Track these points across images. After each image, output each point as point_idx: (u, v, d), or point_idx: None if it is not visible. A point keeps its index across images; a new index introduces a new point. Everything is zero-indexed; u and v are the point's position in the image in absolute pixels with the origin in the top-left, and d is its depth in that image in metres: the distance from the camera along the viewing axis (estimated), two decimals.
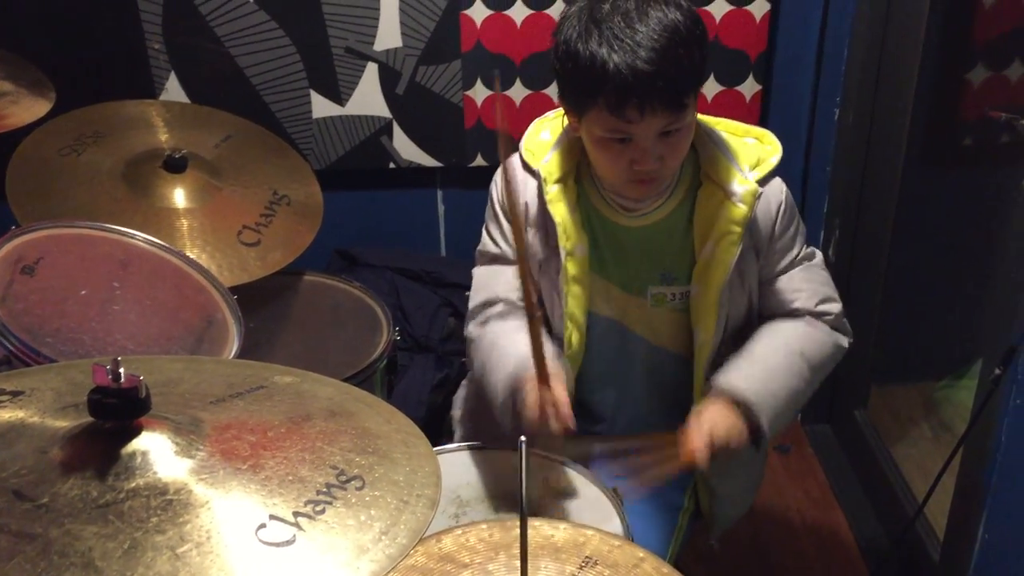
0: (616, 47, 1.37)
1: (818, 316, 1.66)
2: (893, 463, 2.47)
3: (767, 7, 2.39)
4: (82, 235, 1.73)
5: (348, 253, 2.58)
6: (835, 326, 1.67)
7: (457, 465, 1.65)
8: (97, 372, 0.86)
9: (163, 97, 2.40)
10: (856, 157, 2.48)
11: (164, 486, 0.84)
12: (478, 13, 2.37)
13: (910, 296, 2.66)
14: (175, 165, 1.98)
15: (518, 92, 2.45)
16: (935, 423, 2.68)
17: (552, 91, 2.45)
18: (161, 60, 2.37)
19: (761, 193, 1.57)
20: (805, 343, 1.62)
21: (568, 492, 1.59)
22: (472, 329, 1.70)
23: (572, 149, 1.59)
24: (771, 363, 1.59)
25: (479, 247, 1.74)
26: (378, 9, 2.36)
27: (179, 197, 1.97)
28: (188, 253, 1.82)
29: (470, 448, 1.68)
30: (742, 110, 2.48)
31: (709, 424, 1.53)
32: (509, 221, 1.66)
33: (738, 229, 1.55)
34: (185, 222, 1.94)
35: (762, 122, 2.54)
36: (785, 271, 1.65)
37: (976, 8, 2.37)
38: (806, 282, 1.66)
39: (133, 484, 0.83)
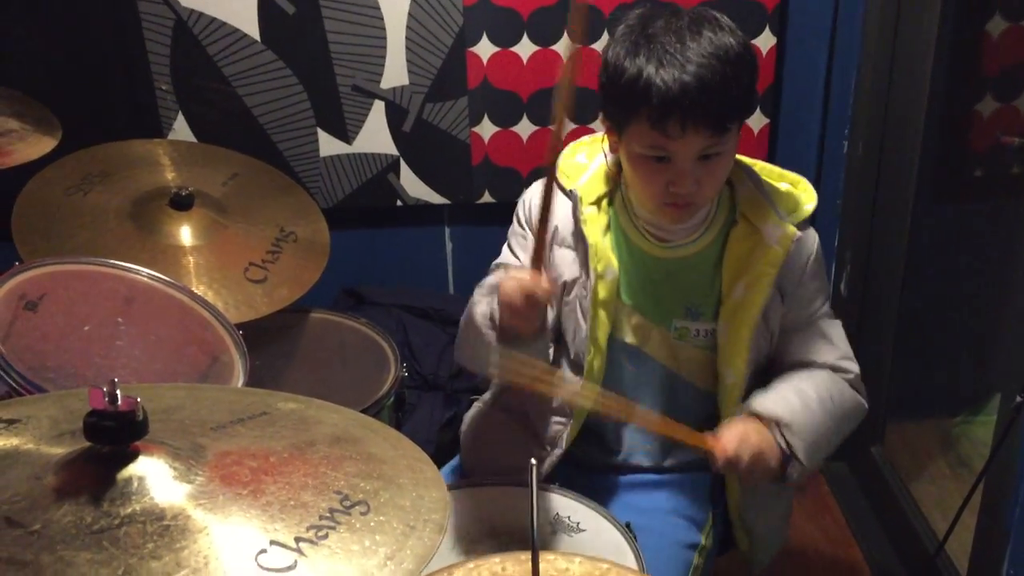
0: (665, 62, 1.37)
1: (839, 372, 1.63)
2: (912, 500, 2.42)
3: (773, 40, 2.38)
4: (85, 271, 1.72)
5: (355, 291, 2.56)
6: (854, 386, 1.64)
7: (465, 503, 1.61)
8: (93, 395, 0.84)
9: (171, 137, 2.40)
10: (866, 190, 2.46)
11: (161, 511, 0.81)
12: (484, 50, 2.37)
13: (924, 330, 2.62)
14: (181, 202, 1.97)
15: (525, 128, 2.45)
16: (953, 459, 2.63)
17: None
18: (169, 100, 2.38)
19: (799, 237, 1.55)
20: (834, 389, 1.59)
21: (581, 527, 1.55)
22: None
23: (608, 173, 1.59)
24: (806, 396, 1.56)
25: (497, 260, 1.71)
26: (385, 47, 2.37)
27: (185, 234, 1.96)
28: (194, 290, 1.80)
29: (477, 485, 1.65)
30: (750, 144, 2.47)
31: (743, 431, 1.50)
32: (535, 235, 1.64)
33: (772, 271, 1.53)
34: (191, 259, 1.93)
35: (770, 156, 2.53)
36: (808, 323, 1.63)
37: (983, 39, 2.36)
38: (828, 337, 1.64)
39: (129, 510, 0.80)
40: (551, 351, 1.64)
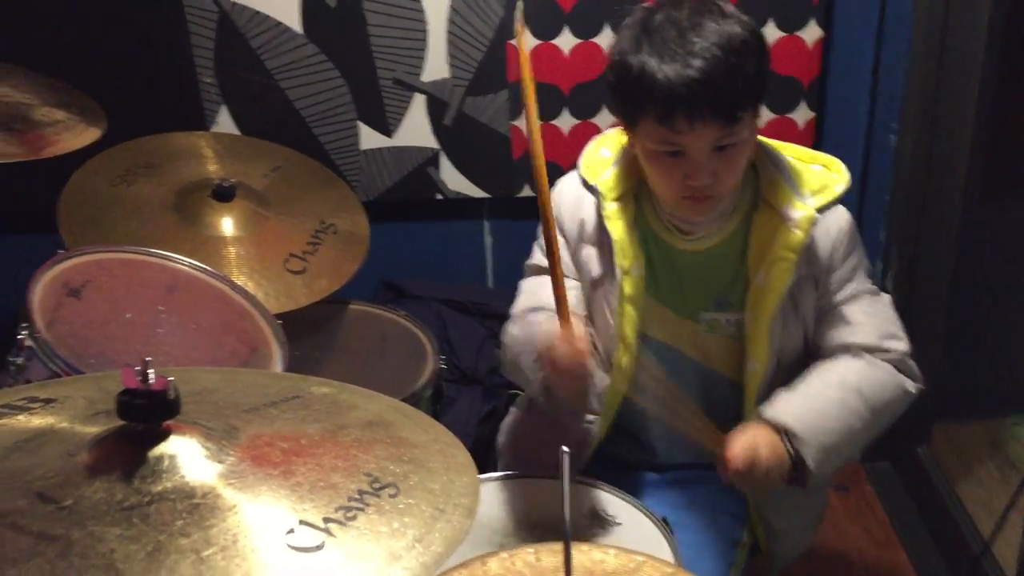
0: (667, 57, 1.35)
1: (879, 353, 1.56)
2: (958, 502, 2.37)
3: (819, 32, 2.35)
4: (128, 259, 1.74)
5: (395, 285, 2.57)
6: (899, 367, 1.57)
7: (502, 494, 1.61)
8: (127, 374, 0.84)
9: (214, 129, 2.42)
10: (915, 185, 2.41)
11: (191, 490, 0.81)
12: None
13: (973, 330, 2.57)
14: (224, 194, 1.99)
15: (566, 121, 2.44)
16: (1001, 461, 2.57)
17: (601, 119, 2.43)
18: (212, 93, 2.39)
19: (818, 219, 1.51)
20: (863, 381, 1.53)
21: (617, 521, 1.54)
22: (510, 328, 1.65)
23: (632, 167, 1.56)
24: (822, 398, 1.51)
25: (528, 260, 1.71)
26: (425, 40, 2.36)
27: (227, 225, 1.98)
28: (235, 280, 1.81)
29: (514, 478, 1.64)
30: (795, 138, 2.43)
31: (753, 439, 1.46)
32: (564, 234, 1.63)
33: (792, 256, 1.50)
34: (232, 250, 1.95)
35: (816, 149, 2.49)
36: (844, 303, 1.57)
37: None
38: (867, 316, 1.57)
39: (160, 487, 0.81)
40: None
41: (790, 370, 1.59)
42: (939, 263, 2.42)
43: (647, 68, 1.36)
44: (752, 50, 1.38)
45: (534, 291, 1.66)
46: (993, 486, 2.49)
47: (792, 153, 1.60)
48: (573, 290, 1.62)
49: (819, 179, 1.56)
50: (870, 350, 1.56)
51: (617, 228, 1.54)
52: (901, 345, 1.58)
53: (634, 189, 1.58)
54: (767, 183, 1.53)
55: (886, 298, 1.62)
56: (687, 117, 1.35)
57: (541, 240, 1.66)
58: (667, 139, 1.40)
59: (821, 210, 1.52)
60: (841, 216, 1.56)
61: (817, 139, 2.49)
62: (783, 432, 1.48)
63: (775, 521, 1.70)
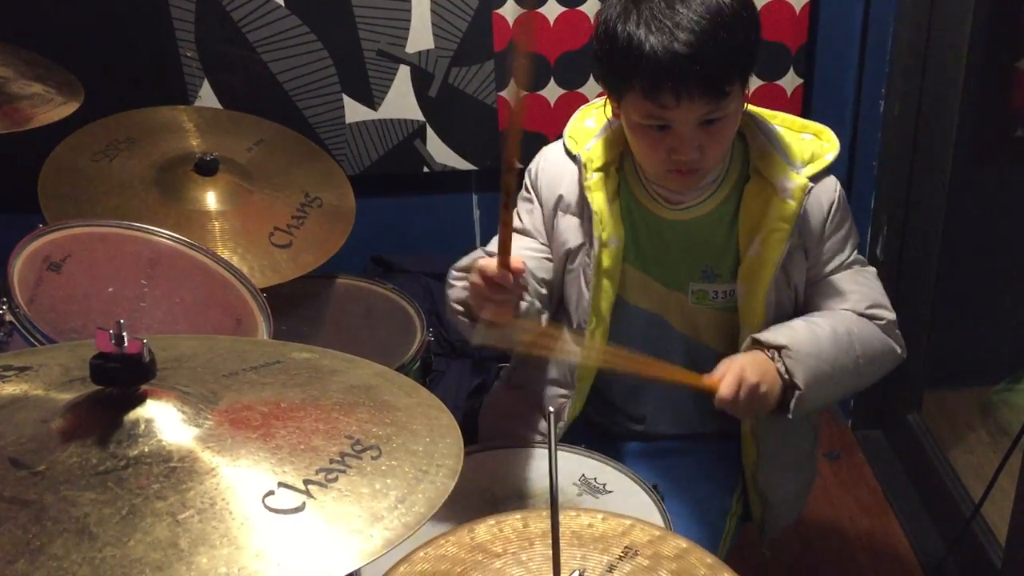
0: (654, 28, 1.31)
1: (878, 318, 1.56)
2: (950, 468, 2.38)
3: None
4: (109, 233, 1.72)
5: (384, 259, 2.55)
6: (886, 332, 1.57)
7: (490, 465, 1.60)
8: (100, 337, 0.82)
9: (196, 103, 2.39)
10: (904, 151, 2.40)
11: (168, 453, 0.79)
12: (511, 12, 2.34)
13: (963, 295, 2.56)
14: (206, 167, 1.97)
15: (552, 91, 2.42)
16: (992, 427, 2.58)
17: (588, 89, 2.41)
18: (194, 67, 2.37)
19: (811, 188, 1.49)
20: (855, 327, 1.52)
21: (607, 489, 1.53)
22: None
23: (616, 138, 1.54)
24: (815, 327, 1.49)
25: None
26: (409, 11, 2.34)
27: (211, 199, 1.96)
28: (219, 254, 1.79)
29: (503, 448, 1.63)
30: (783, 105, 2.42)
31: (740, 366, 1.43)
32: (540, 203, 1.61)
33: (786, 226, 1.48)
34: (216, 224, 1.93)
35: (804, 117, 2.47)
36: (834, 273, 1.57)
37: None
38: (856, 284, 1.57)
39: (136, 452, 0.79)
40: (543, 319, 1.59)
41: None
42: (929, 229, 2.41)
43: (634, 40, 1.32)
44: (742, 22, 1.35)
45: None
46: (984, 452, 2.49)
47: (782, 122, 1.58)
48: (533, 252, 1.59)
49: (809, 148, 1.54)
50: (859, 315, 1.56)
51: (597, 199, 1.52)
52: (888, 315, 1.58)
53: (617, 160, 1.55)
54: (757, 153, 1.51)
55: (872, 270, 1.62)
56: (674, 93, 1.33)
57: (521, 203, 1.65)
58: (653, 113, 1.37)
59: (812, 179, 1.50)
60: (832, 186, 1.55)
61: (806, 106, 2.48)
62: (775, 350, 1.46)
63: (771, 492, 1.69)
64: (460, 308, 1.50)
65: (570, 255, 1.59)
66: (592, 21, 2.34)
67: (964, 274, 2.53)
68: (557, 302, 1.65)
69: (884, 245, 2.50)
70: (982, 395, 2.67)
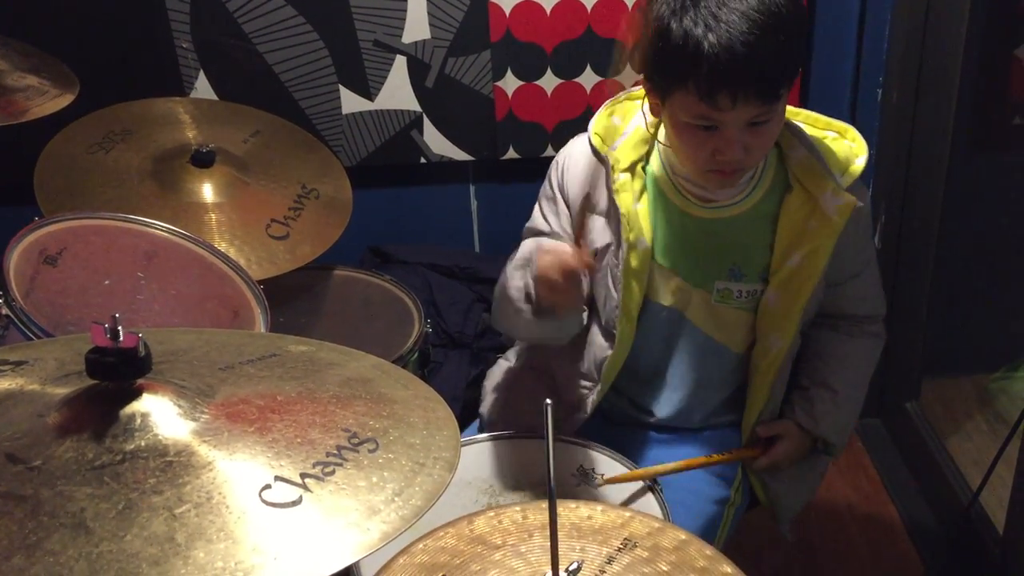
0: (712, 26, 1.27)
1: (874, 319, 1.68)
2: (947, 456, 2.38)
3: None
4: (105, 226, 1.71)
5: (381, 250, 2.54)
6: (879, 335, 1.71)
7: (490, 456, 1.60)
8: (96, 332, 0.82)
9: (192, 95, 2.38)
10: (901, 139, 2.39)
11: (164, 448, 0.79)
12: (507, 1, 2.33)
13: (961, 283, 2.56)
14: (203, 159, 1.96)
15: (549, 81, 2.41)
16: (990, 415, 2.58)
17: (584, 79, 2.40)
18: (190, 58, 2.36)
19: (858, 207, 1.48)
20: (867, 358, 1.68)
21: (605, 479, 1.53)
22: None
23: (644, 134, 1.52)
24: (854, 403, 1.66)
25: (528, 224, 1.67)
26: (406, 1, 2.33)
27: (207, 191, 1.95)
28: (216, 246, 1.79)
29: (502, 439, 1.63)
30: None
31: (785, 451, 1.63)
32: (567, 204, 1.60)
33: (830, 243, 1.48)
34: (213, 216, 1.92)
35: (801, 104, 2.46)
36: (856, 277, 1.61)
37: None
38: (872, 288, 1.65)
39: (132, 446, 0.79)
40: (585, 318, 1.61)
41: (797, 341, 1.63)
42: (927, 217, 2.41)
43: (691, 38, 1.28)
44: (796, 23, 1.33)
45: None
46: (982, 440, 2.50)
47: (805, 119, 1.56)
48: None
49: (842, 152, 1.52)
50: (870, 318, 1.66)
51: (625, 201, 1.50)
52: (883, 308, 1.70)
53: (645, 158, 1.54)
54: (798, 164, 1.49)
55: (875, 262, 1.66)
56: (730, 96, 1.30)
57: (544, 204, 1.64)
58: (705, 115, 1.34)
59: (849, 189, 1.49)
60: (867, 199, 1.55)
61: (803, 94, 2.47)
62: (819, 440, 1.65)
63: (773, 479, 1.70)
64: (522, 297, 1.50)
65: (599, 254, 1.56)
66: (588, 11, 2.34)
67: (962, 262, 2.53)
68: (588, 300, 1.65)
69: (882, 233, 2.50)
70: (980, 383, 2.67)
